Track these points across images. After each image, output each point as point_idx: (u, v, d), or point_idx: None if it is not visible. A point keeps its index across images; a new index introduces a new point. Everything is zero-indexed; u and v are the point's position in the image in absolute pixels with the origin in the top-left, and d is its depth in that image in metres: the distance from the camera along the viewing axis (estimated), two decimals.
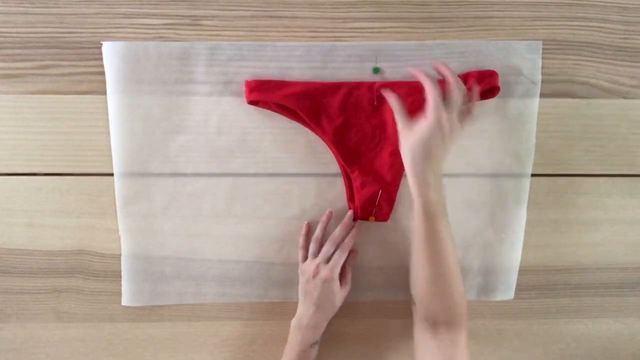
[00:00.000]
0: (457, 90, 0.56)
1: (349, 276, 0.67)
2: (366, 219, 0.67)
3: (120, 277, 0.68)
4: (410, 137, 0.57)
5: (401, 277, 0.70)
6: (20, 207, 0.66)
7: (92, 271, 0.68)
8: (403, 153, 0.59)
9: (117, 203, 0.66)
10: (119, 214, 0.66)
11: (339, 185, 0.67)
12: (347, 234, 0.66)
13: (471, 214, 0.68)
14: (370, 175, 0.66)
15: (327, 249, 0.65)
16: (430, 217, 0.57)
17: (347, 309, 0.71)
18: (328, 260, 0.64)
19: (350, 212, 0.66)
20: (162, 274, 0.68)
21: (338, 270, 0.64)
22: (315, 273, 0.64)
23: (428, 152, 0.56)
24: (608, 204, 0.70)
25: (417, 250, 0.59)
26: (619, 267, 0.72)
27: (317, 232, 0.66)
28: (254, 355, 0.71)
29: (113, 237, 0.67)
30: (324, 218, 0.67)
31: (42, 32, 0.63)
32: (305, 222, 0.67)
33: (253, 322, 0.71)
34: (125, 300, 0.68)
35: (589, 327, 0.74)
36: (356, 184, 0.66)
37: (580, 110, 0.67)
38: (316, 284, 0.63)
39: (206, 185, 0.66)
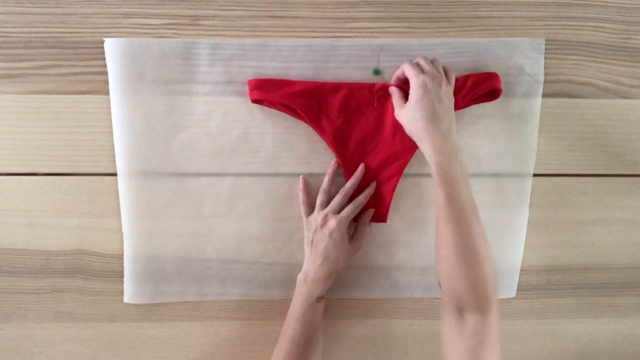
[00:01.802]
0: (422, 60, 0.61)
1: (361, 234, 0.65)
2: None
3: (121, 276, 0.68)
4: (404, 110, 0.59)
5: (402, 276, 0.70)
6: (20, 207, 0.66)
7: (92, 271, 0.68)
8: (406, 128, 0.60)
9: (120, 202, 0.66)
10: (121, 212, 0.66)
11: (340, 184, 0.67)
12: (357, 185, 0.65)
13: None
14: (368, 176, 0.66)
15: (338, 199, 0.63)
16: (446, 182, 0.55)
17: (348, 309, 0.71)
18: (338, 211, 0.63)
19: (361, 166, 0.65)
20: (163, 272, 0.68)
21: (347, 222, 0.62)
22: (323, 223, 0.62)
23: (424, 114, 0.57)
24: (608, 204, 0.70)
25: (438, 225, 0.56)
26: (619, 267, 0.72)
27: (325, 183, 0.65)
28: (254, 355, 0.71)
29: (113, 237, 0.67)
30: (330, 170, 0.65)
31: (42, 32, 0.62)
32: (302, 177, 0.66)
33: (253, 321, 0.71)
34: (127, 298, 0.68)
35: (589, 327, 0.74)
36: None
37: (580, 110, 0.67)
38: (324, 235, 0.62)
39: (208, 184, 0.66)
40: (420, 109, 0.57)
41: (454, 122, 0.59)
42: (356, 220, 0.66)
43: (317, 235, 0.63)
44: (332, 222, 0.62)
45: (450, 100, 0.60)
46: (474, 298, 0.53)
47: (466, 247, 0.54)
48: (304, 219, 0.65)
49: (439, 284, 0.58)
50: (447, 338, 0.55)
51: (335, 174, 0.66)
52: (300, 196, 0.66)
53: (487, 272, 0.54)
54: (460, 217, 0.55)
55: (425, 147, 0.56)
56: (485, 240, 0.55)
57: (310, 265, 0.63)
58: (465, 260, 0.54)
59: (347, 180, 0.65)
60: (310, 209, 0.65)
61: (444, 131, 0.56)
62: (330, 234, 0.61)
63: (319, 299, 0.63)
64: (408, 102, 0.59)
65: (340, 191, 0.64)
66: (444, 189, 0.55)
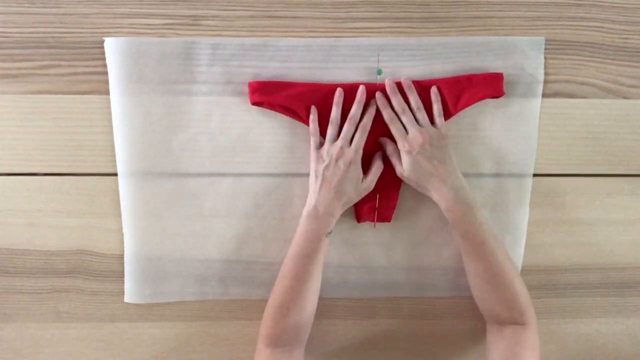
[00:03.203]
0: (405, 116, 0.62)
1: (374, 167, 0.63)
2: (371, 220, 0.67)
3: (121, 276, 0.68)
4: (403, 172, 0.62)
5: (402, 276, 0.70)
6: (20, 207, 0.66)
7: (92, 271, 0.68)
8: (412, 185, 0.63)
9: (120, 202, 0.66)
10: (122, 212, 0.66)
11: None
12: (363, 110, 0.63)
13: None
14: None
15: (348, 128, 0.62)
16: (462, 225, 0.60)
17: (348, 309, 0.71)
18: (350, 141, 0.62)
19: (362, 88, 0.63)
20: (163, 272, 0.68)
21: (361, 152, 0.62)
22: (339, 156, 0.60)
23: (421, 177, 0.61)
24: (608, 204, 0.70)
25: (463, 258, 0.62)
26: (619, 267, 0.72)
27: (334, 114, 0.62)
28: (254, 355, 0.71)
29: (113, 237, 0.67)
30: (336, 99, 0.62)
31: (42, 32, 0.62)
32: (312, 106, 0.63)
33: (253, 322, 0.70)
34: (127, 298, 0.68)
35: (589, 327, 0.74)
36: None
37: (580, 110, 0.67)
38: (339, 167, 0.60)
39: (208, 184, 0.66)
40: (415, 175, 0.61)
41: (453, 166, 0.62)
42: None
43: (329, 169, 0.61)
44: (349, 154, 0.60)
45: (442, 151, 0.61)
46: (510, 315, 0.61)
47: (493, 276, 0.60)
48: (313, 152, 0.63)
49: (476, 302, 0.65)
50: (490, 344, 0.62)
51: (342, 103, 0.63)
52: (311, 127, 0.63)
53: (517, 291, 0.61)
54: (481, 251, 0.60)
55: (436, 200, 0.62)
56: (510, 262, 0.61)
57: (321, 199, 0.61)
58: (494, 287, 0.61)
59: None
60: (321, 140, 0.63)
61: (449, 184, 0.60)
62: (347, 167, 0.60)
63: (328, 234, 0.62)
64: (403, 165, 0.62)
65: (347, 120, 0.62)
66: (462, 232, 0.60)
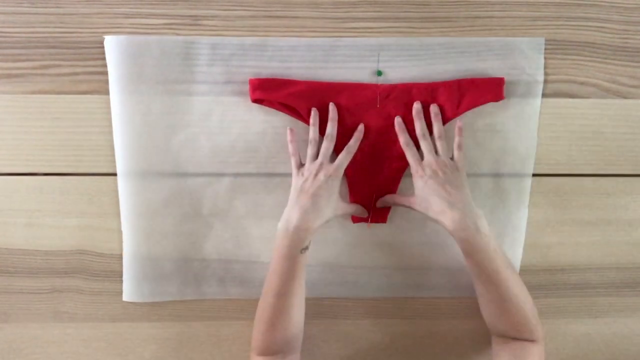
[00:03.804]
0: (425, 142, 0.63)
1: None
2: (365, 221, 0.67)
3: (121, 276, 0.68)
4: (417, 197, 0.61)
5: (400, 277, 0.70)
6: (20, 207, 0.66)
7: (92, 271, 0.68)
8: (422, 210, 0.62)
9: (120, 201, 0.66)
10: (121, 212, 0.66)
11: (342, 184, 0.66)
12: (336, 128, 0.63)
13: None
14: (368, 179, 0.66)
15: (326, 145, 0.61)
16: (474, 252, 0.58)
17: (348, 309, 0.71)
18: (330, 159, 0.62)
19: (332, 105, 0.63)
20: (162, 272, 0.68)
21: (342, 170, 0.61)
22: (319, 170, 0.60)
23: (434, 203, 0.59)
24: (608, 204, 0.70)
25: (475, 284, 0.62)
26: (619, 267, 0.72)
27: (311, 134, 0.62)
28: None
29: (113, 237, 0.67)
30: (311, 120, 0.63)
31: (42, 32, 0.62)
32: (289, 128, 0.64)
33: (252, 321, 0.70)
34: (126, 297, 0.68)
35: (589, 327, 0.74)
36: (354, 187, 0.66)
37: (580, 110, 0.67)
38: (318, 179, 0.59)
39: (207, 184, 0.66)
40: (426, 200, 0.60)
41: (467, 194, 0.60)
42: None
43: (307, 183, 0.59)
44: (329, 168, 0.60)
45: (456, 180, 0.60)
46: (519, 335, 0.61)
47: (505, 301, 0.60)
48: (294, 171, 0.62)
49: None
50: (496, 353, 0.63)
51: (317, 124, 0.63)
52: (290, 148, 0.63)
53: (529, 315, 0.61)
54: (494, 278, 0.59)
55: (446, 225, 0.59)
56: (521, 285, 0.61)
57: (293, 212, 0.58)
58: (505, 312, 0.61)
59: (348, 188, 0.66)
60: (301, 160, 0.63)
61: (461, 208, 0.58)
62: (327, 179, 0.59)
63: (303, 249, 0.58)
64: (415, 190, 0.62)
65: (325, 137, 0.62)
66: (473, 259, 0.59)
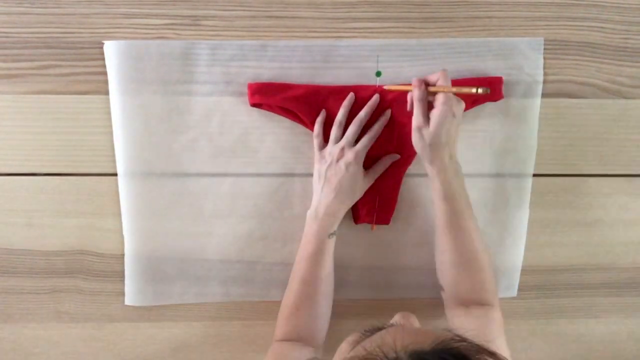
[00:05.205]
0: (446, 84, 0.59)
1: (376, 172, 0.64)
2: (370, 222, 0.67)
3: (121, 277, 0.68)
4: (426, 128, 0.57)
5: (403, 277, 0.70)
6: (20, 207, 0.66)
7: (92, 271, 0.68)
8: (419, 144, 0.58)
9: (121, 203, 0.66)
10: (122, 213, 0.66)
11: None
12: (372, 114, 0.63)
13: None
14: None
15: (352, 130, 0.61)
16: (450, 199, 0.58)
17: (349, 309, 0.71)
18: (354, 143, 0.62)
19: (376, 95, 0.63)
20: (164, 274, 0.68)
21: (364, 154, 0.61)
22: (340, 156, 0.60)
23: (444, 138, 0.57)
24: (608, 204, 0.70)
25: (440, 235, 0.61)
26: (619, 267, 0.72)
27: (340, 116, 0.62)
28: (254, 355, 0.71)
29: (113, 237, 0.67)
30: (346, 102, 0.63)
31: (42, 32, 0.62)
32: (323, 109, 0.63)
33: (253, 322, 0.71)
34: (128, 300, 0.68)
35: (589, 327, 0.74)
36: None
37: (580, 110, 0.67)
38: (339, 168, 0.60)
39: (208, 185, 0.66)
40: (444, 135, 0.57)
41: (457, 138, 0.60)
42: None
43: (330, 169, 0.61)
44: (350, 155, 0.60)
45: (461, 119, 0.60)
46: (477, 299, 0.60)
47: (466, 256, 0.60)
48: (317, 153, 0.63)
49: (441, 286, 0.61)
50: (458, 326, 0.59)
51: (350, 107, 0.63)
52: (317, 128, 0.63)
53: (487, 278, 0.60)
54: (462, 231, 0.59)
55: (431, 168, 0.59)
56: (484, 247, 0.61)
57: (322, 200, 0.61)
58: (466, 269, 0.60)
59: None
60: (324, 141, 0.64)
61: (452, 152, 0.59)
62: (347, 167, 0.60)
63: (331, 234, 0.61)
64: (433, 122, 0.57)
65: (353, 121, 0.62)
66: (447, 204, 0.59)
